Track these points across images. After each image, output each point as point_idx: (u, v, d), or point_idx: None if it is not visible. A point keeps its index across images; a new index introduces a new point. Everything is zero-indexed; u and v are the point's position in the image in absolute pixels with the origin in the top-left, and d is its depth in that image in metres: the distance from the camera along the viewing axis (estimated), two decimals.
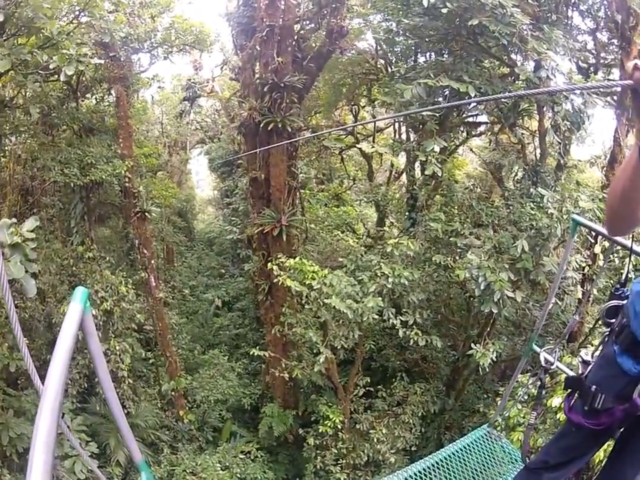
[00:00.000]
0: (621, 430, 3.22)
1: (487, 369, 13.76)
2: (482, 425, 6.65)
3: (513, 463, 5.86)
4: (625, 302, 3.17)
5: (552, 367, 4.58)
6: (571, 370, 4.76)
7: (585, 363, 3.48)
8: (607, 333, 3.34)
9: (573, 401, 3.37)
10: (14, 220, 8.92)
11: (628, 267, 3.63)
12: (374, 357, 20.23)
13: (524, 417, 10.51)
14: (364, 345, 17.20)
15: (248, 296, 28.67)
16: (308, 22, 19.54)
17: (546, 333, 15.31)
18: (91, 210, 20.34)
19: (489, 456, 5.95)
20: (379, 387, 18.13)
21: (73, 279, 17.98)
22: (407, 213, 17.95)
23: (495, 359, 13.36)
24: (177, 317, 25.13)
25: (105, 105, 21.88)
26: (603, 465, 3.65)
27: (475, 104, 15.62)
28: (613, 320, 3.24)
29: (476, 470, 5.71)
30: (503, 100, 13.77)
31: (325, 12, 18.25)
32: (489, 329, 15.60)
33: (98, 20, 12.59)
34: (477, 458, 5.86)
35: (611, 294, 3.35)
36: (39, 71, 12.69)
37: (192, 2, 23.80)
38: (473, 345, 13.64)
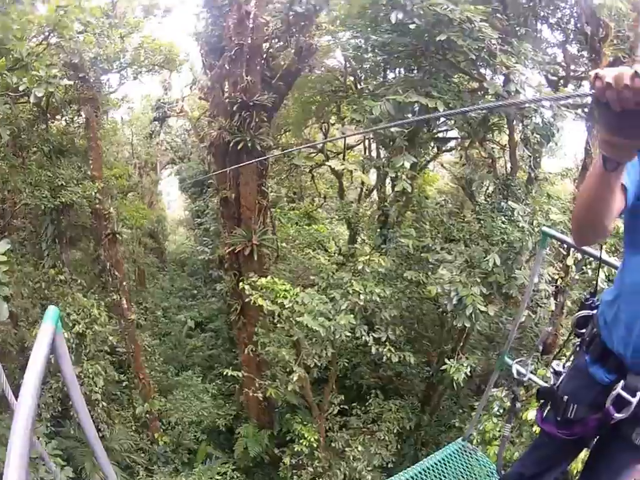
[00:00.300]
0: (596, 439, 3.25)
1: (462, 384, 13.80)
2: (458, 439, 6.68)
3: (488, 476, 5.87)
4: (594, 312, 3.22)
5: (525, 379, 4.61)
6: (545, 382, 4.79)
7: (557, 373, 3.52)
8: (578, 343, 3.38)
9: (546, 411, 3.38)
10: None
11: (598, 277, 3.69)
12: (348, 375, 20.20)
13: (499, 431, 10.52)
14: (337, 363, 17.21)
15: (221, 316, 28.54)
16: (277, 40, 19.48)
17: (520, 346, 15.39)
18: (62, 232, 20.20)
19: (464, 469, 5.96)
20: (354, 404, 18.10)
21: (45, 302, 17.75)
22: (378, 230, 17.96)
23: (469, 374, 13.40)
24: (149, 339, 24.96)
25: (74, 127, 21.68)
26: (579, 474, 3.67)
27: (444, 119, 15.74)
28: (584, 330, 3.29)
29: None
30: (472, 114, 13.85)
31: (294, 30, 18.22)
32: (462, 344, 15.65)
33: (67, 41, 12.48)
34: (452, 471, 5.88)
35: (581, 304, 3.41)
36: (9, 93, 12.59)
37: (161, 22, 23.59)
38: (446, 360, 13.68)
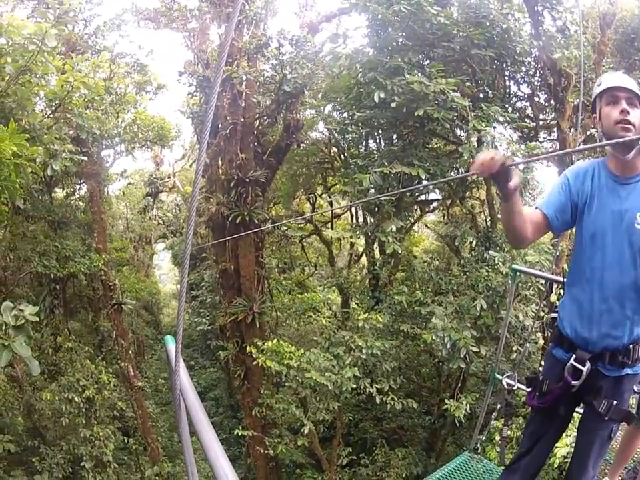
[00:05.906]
0: (564, 407, 4.18)
1: (464, 425, 14.36)
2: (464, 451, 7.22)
3: None
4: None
5: (514, 388, 5.58)
6: None
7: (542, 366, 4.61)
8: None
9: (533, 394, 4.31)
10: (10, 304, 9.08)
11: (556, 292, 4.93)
12: (351, 431, 20.52)
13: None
14: (343, 417, 17.75)
15: (220, 385, 29.02)
16: (266, 118, 20.39)
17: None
18: (67, 302, 20.73)
19: (473, 477, 6.52)
20: (361, 455, 18.49)
21: (53, 368, 18.33)
22: (370, 293, 18.79)
23: (469, 411, 13.89)
24: (153, 406, 25.22)
25: (74, 199, 22.35)
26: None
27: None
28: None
29: None
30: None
31: (282, 107, 19.27)
32: (460, 385, 16.13)
33: (77, 116, 12.75)
34: None
35: (551, 310, 4.61)
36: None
37: (153, 98, 23.89)
38: (446, 400, 14.26)
